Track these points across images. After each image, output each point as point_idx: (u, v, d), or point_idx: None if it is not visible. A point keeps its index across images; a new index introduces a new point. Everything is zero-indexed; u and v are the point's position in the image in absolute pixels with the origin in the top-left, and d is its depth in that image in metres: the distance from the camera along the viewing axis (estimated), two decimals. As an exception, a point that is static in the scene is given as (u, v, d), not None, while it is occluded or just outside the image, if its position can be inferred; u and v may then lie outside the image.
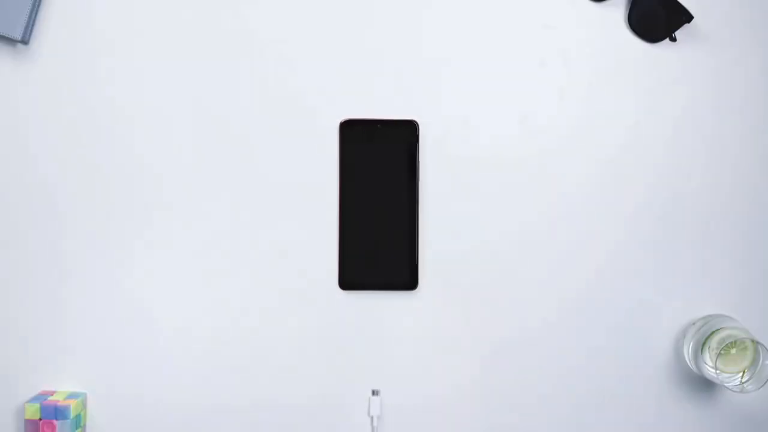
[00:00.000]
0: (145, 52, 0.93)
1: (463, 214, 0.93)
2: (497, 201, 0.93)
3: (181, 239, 0.93)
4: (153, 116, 0.93)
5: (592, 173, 0.94)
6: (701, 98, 0.94)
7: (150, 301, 0.93)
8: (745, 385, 0.87)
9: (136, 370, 0.93)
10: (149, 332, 0.93)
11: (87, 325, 0.93)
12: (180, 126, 0.93)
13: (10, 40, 0.92)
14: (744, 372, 0.88)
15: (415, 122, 0.93)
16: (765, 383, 0.86)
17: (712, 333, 0.87)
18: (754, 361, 0.88)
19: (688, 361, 0.92)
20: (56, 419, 0.88)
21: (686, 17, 0.92)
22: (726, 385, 0.87)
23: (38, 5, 0.91)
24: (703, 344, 0.88)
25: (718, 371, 0.88)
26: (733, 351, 0.88)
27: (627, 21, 0.94)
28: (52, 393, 0.92)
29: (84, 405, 0.92)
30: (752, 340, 0.86)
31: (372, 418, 0.93)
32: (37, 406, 0.88)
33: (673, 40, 0.93)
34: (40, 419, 0.88)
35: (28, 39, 0.91)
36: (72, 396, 0.91)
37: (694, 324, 0.92)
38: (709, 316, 0.92)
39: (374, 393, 0.93)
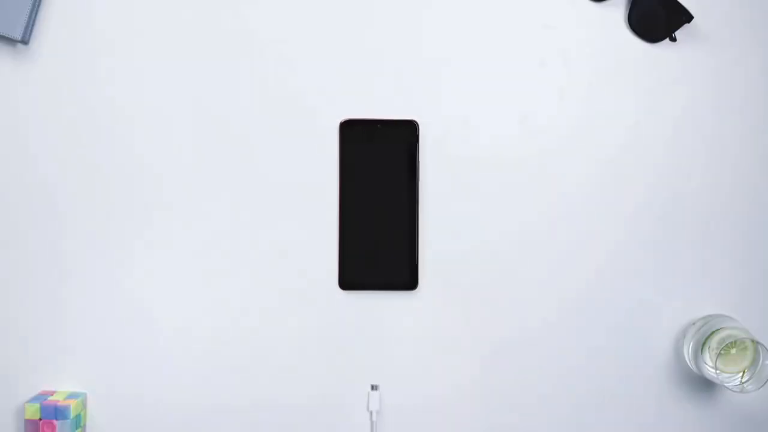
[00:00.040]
0: (145, 52, 0.93)
1: (463, 214, 0.93)
2: (497, 201, 0.93)
3: (181, 239, 0.93)
4: (153, 116, 0.93)
5: (592, 173, 0.94)
6: (701, 98, 0.94)
7: (150, 301, 0.93)
8: (745, 385, 0.87)
9: (136, 370, 0.93)
10: (149, 332, 0.93)
11: (87, 325, 0.93)
12: (180, 126, 0.93)
13: (10, 40, 0.92)
14: (744, 372, 0.88)
15: (415, 122, 0.93)
16: (765, 383, 0.86)
17: (712, 333, 0.87)
18: (754, 361, 0.88)
19: (688, 361, 0.92)
20: (56, 419, 0.88)
21: (686, 17, 0.92)
22: (726, 385, 0.87)
23: (38, 5, 0.91)
24: (703, 344, 0.88)
25: (718, 371, 0.88)
26: (733, 351, 0.88)
27: (627, 21, 0.94)
28: (52, 393, 0.92)
29: (84, 405, 0.92)
30: (752, 340, 0.86)
31: (371, 413, 0.93)
32: (37, 406, 0.88)
33: (673, 40, 0.93)
34: (40, 419, 0.88)
35: (28, 39, 0.91)
36: (72, 396, 0.91)
37: (694, 324, 0.92)
38: (709, 316, 0.92)
39: (373, 388, 0.93)
